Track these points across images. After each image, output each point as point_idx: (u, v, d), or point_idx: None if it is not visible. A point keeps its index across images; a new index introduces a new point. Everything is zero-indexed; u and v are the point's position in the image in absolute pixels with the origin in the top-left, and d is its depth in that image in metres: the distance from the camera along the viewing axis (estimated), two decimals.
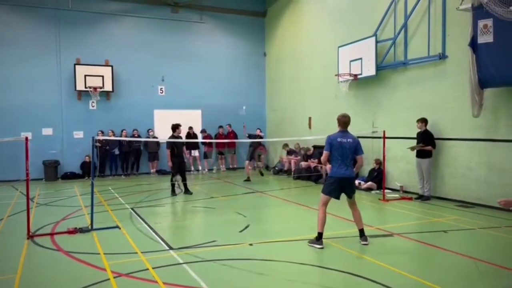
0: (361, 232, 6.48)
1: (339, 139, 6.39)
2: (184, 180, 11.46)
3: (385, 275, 5.07)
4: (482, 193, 9.14)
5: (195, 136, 16.84)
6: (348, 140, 6.40)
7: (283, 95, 17.76)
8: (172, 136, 11.38)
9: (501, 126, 8.81)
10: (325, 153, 6.45)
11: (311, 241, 6.32)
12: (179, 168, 11.31)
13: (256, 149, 14.63)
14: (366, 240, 6.40)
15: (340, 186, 6.43)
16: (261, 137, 14.66)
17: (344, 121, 6.49)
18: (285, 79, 17.59)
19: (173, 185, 11.43)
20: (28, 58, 15.33)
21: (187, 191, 11.50)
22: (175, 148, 11.18)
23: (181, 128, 11.63)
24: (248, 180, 13.99)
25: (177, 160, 11.26)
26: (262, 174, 15.01)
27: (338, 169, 6.40)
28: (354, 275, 5.02)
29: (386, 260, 5.56)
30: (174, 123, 11.46)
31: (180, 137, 11.79)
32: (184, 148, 13.31)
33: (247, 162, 14.49)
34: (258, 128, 15.80)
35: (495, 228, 7.34)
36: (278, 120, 18.17)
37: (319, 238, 6.25)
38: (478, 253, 5.79)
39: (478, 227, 7.39)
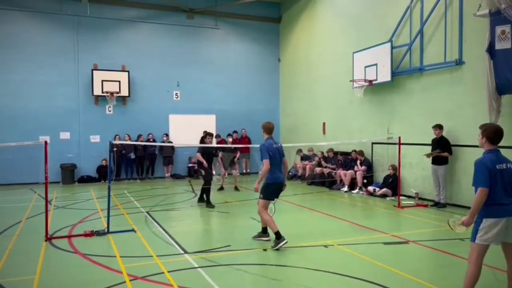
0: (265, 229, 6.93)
1: (274, 145, 6.68)
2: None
3: (401, 282, 5.04)
4: None
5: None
6: (279, 145, 6.82)
7: (297, 100, 17.77)
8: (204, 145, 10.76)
9: None
10: (265, 161, 6.52)
11: (277, 243, 6.37)
12: (209, 174, 10.56)
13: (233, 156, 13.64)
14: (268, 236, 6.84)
15: (278, 191, 6.77)
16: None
17: (271, 127, 6.88)
18: (299, 84, 17.61)
19: (208, 194, 10.39)
20: (47, 64, 15.66)
21: (204, 201, 10.55)
22: (205, 155, 10.58)
23: (211, 138, 10.91)
24: (221, 188, 13.27)
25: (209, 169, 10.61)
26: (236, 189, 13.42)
27: (277, 174, 6.64)
28: (369, 282, 4.99)
29: (401, 268, 5.52)
30: (207, 132, 11.05)
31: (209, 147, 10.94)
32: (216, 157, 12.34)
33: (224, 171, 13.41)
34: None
35: None
36: (292, 126, 18.17)
37: (279, 235, 6.37)
38: (496, 262, 5.68)
39: None
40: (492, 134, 4.06)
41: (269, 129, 6.87)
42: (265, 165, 6.51)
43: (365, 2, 13.44)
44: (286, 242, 6.35)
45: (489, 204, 3.95)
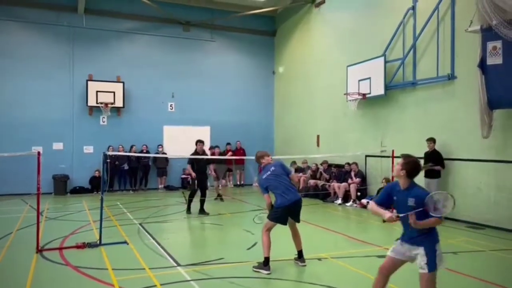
0: (300, 253, 6.40)
1: (265, 175, 6.30)
2: (203, 196, 11.02)
3: None
4: (492, 214, 9.05)
5: (203, 153, 16.89)
6: (273, 168, 6.34)
7: (292, 113, 17.85)
8: (194, 152, 11.10)
9: (510, 147, 8.77)
10: (264, 196, 6.25)
11: (257, 267, 6.01)
12: (199, 183, 10.96)
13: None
14: (304, 261, 6.34)
15: (288, 212, 6.27)
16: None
17: (257, 157, 6.62)
18: (293, 97, 17.70)
19: (189, 202, 11.01)
20: (42, 74, 15.63)
21: (202, 211, 10.93)
22: (195, 163, 10.90)
23: (202, 144, 11.23)
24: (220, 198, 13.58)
25: (198, 176, 10.91)
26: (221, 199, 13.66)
27: (281, 199, 6.16)
28: None
29: (395, 281, 5.49)
30: (198, 139, 11.29)
31: (202, 154, 11.30)
32: (210, 166, 12.96)
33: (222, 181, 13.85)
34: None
35: (506, 250, 7.25)
36: (286, 138, 18.21)
37: (266, 263, 5.97)
38: (488, 276, 5.72)
39: (488, 249, 7.30)
40: (412, 169, 4.14)
41: (257, 160, 6.65)
42: (265, 200, 6.28)
43: (359, 17, 13.62)
44: (268, 274, 5.85)
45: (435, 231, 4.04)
